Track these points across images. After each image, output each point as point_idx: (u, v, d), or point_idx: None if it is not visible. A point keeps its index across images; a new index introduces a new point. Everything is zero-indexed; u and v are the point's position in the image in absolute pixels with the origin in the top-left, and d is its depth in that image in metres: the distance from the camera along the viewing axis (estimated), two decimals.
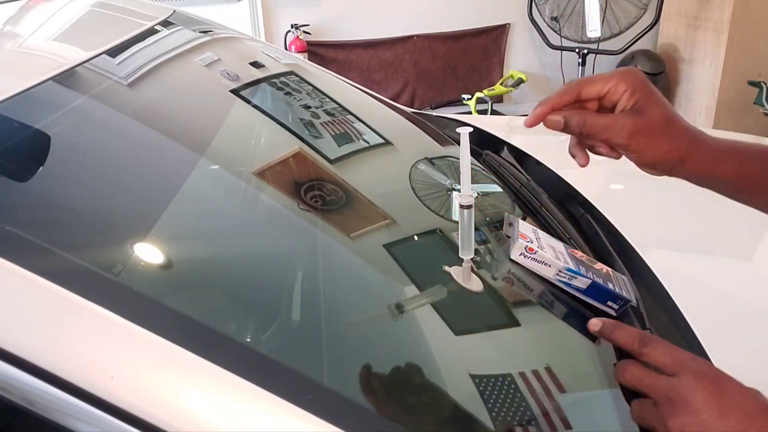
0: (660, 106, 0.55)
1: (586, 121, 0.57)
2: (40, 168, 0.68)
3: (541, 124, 0.58)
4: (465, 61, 3.58)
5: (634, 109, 0.56)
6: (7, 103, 0.70)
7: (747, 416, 0.46)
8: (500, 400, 0.63)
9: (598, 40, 3.19)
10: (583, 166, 0.61)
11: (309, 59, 2.99)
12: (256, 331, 0.62)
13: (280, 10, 3.25)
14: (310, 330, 0.66)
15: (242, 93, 1.12)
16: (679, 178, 0.59)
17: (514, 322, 0.78)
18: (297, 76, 1.35)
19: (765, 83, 3.13)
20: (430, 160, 1.15)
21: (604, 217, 1.04)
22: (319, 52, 3.34)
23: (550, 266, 0.77)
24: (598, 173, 1.33)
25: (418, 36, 3.49)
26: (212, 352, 0.50)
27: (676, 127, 0.56)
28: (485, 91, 3.35)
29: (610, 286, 0.77)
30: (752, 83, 3.16)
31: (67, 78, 0.83)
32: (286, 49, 3.22)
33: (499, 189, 1.11)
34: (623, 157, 0.61)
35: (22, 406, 0.46)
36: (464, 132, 0.85)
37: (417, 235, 0.90)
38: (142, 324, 0.49)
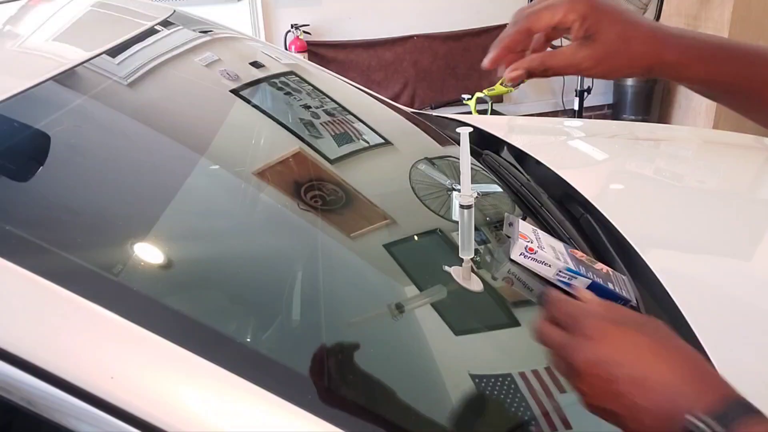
0: (614, 26, 0.53)
1: (546, 65, 0.56)
2: (40, 168, 0.68)
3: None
4: (465, 61, 3.57)
5: (587, 36, 0.54)
6: (7, 103, 0.70)
7: (637, 347, 0.45)
8: (500, 400, 0.63)
9: None
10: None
11: (309, 59, 2.99)
12: (256, 331, 0.62)
13: (280, 10, 3.25)
14: (310, 330, 0.66)
15: (242, 93, 1.12)
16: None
17: (514, 322, 0.78)
18: (297, 76, 1.35)
19: None
20: (430, 160, 1.15)
21: (604, 217, 1.04)
22: (319, 52, 3.33)
23: (550, 266, 0.77)
24: (598, 173, 1.33)
25: (418, 36, 3.48)
26: (212, 352, 0.50)
27: (635, 44, 0.53)
28: (485, 91, 3.35)
29: (610, 286, 0.77)
30: None
31: (67, 78, 0.83)
32: (286, 49, 3.22)
33: (499, 189, 1.11)
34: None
35: (22, 406, 0.46)
36: (464, 132, 0.85)
37: (417, 235, 0.90)
38: (142, 324, 0.49)
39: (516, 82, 0.58)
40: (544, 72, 0.56)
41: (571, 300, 0.52)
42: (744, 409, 0.40)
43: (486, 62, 0.58)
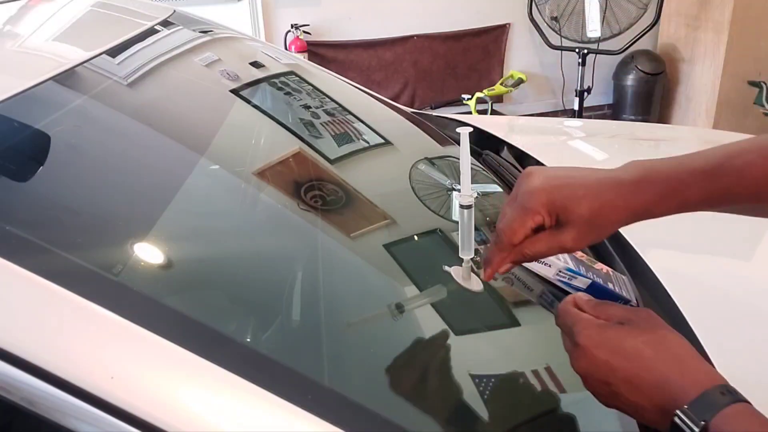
0: (580, 204, 0.52)
1: (530, 255, 0.56)
2: (40, 168, 0.68)
3: None
4: (465, 61, 3.58)
5: (560, 223, 0.53)
6: (7, 103, 0.70)
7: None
8: (500, 400, 0.63)
9: (598, 40, 3.19)
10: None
11: (309, 59, 2.99)
12: (256, 331, 0.62)
13: (280, 10, 3.25)
14: (310, 330, 0.66)
15: (242, 93, 1.12)
16: None
17: (514, 322, 0.78)
18: (297, 76, 1.35)
19: (765, 83, 3.13)
20: (430, 160, 1.15)
21: None
22: (319, 52, 3.33)
23: (550, 266, 0.77)
24: None
25: (418, 36, 3.48)
26: (212, 352, 0.50)
27: (608, 209, 0.52)
28: (485, 91, 3.35)
29: (610, 286, 0.77)
30: (752, 83, 3.16)
31: (67, 78, 0.83)
32: (286, 49, 3.21)
33: (499, 189, 1.11)
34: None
35: (22, 406, 0.46)
36: (464, 132, 0.84)
37: (417, 235, 0.90)
38: (142, 324, 0.49)
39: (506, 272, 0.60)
40: (529, 259, 0.57)
41: (565, 309, 0.56)
42: (723, 398, 0.43)
43: (485, 277, 0.60)
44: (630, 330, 0.49)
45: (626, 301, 0.77)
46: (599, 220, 0.52)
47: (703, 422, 0.41)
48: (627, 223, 0.54)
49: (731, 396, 0.43)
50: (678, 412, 0.43)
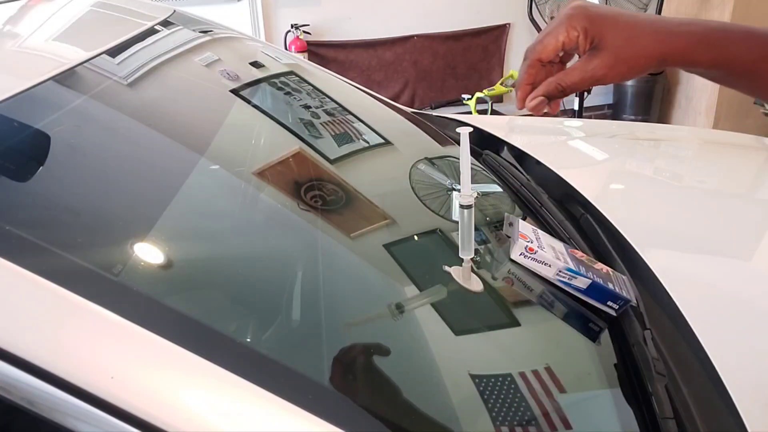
0: (616, 30, 0.54)
1: (563, 85, 0.57)
2: (40, 168, 0.68)
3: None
4: (465, 61, 3.58)
5: (594, 47, 0.55)
6: (7, 103, 0.70)
7: None
8: (500, 400, 0.63)
9: None
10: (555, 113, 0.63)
11: (309, 59, 2.99)
12: (256, 331, 0.62)
13: (280, 10, 3.25)
14: (310, 330, 0.66)
15: (242, 93, 1.12)
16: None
17: (514, 322, 0.78)
18: (297, 76, 1.35)
19: None
20: (430, 160, 1.15)
21: (604, 217, 1.04)
22: (319, 52, 3.34)
23: (550, 266, 0.77)
24: (598, 173, 1.33)
25: (418, 36, 3.49)
26: (212, 352, 0.50)
27: (641, 41, 0.54)
28: (485, 91, 3.35)
29: (610, 286, 0.77)
30: None
31: (67, 78, 0.83)
32: (286, 49, 3.22)
33: (499, 189, 1.11)
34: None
35: (22, 406, 0.46)
36: (464, 132, 0.85)
37: (417, 235, 0.90)
38: (142, 324, 0.49)
39: (540, 112, 0.60)
40: (563, 92, 0.58)
41: None
42: None
43: (517, 104, 0.60)
44: None
45: (626, 301, 0.77)
46: (632, 52, 0.54)
47: None
48: (660, 65, 0.55)
49: None
50: None
